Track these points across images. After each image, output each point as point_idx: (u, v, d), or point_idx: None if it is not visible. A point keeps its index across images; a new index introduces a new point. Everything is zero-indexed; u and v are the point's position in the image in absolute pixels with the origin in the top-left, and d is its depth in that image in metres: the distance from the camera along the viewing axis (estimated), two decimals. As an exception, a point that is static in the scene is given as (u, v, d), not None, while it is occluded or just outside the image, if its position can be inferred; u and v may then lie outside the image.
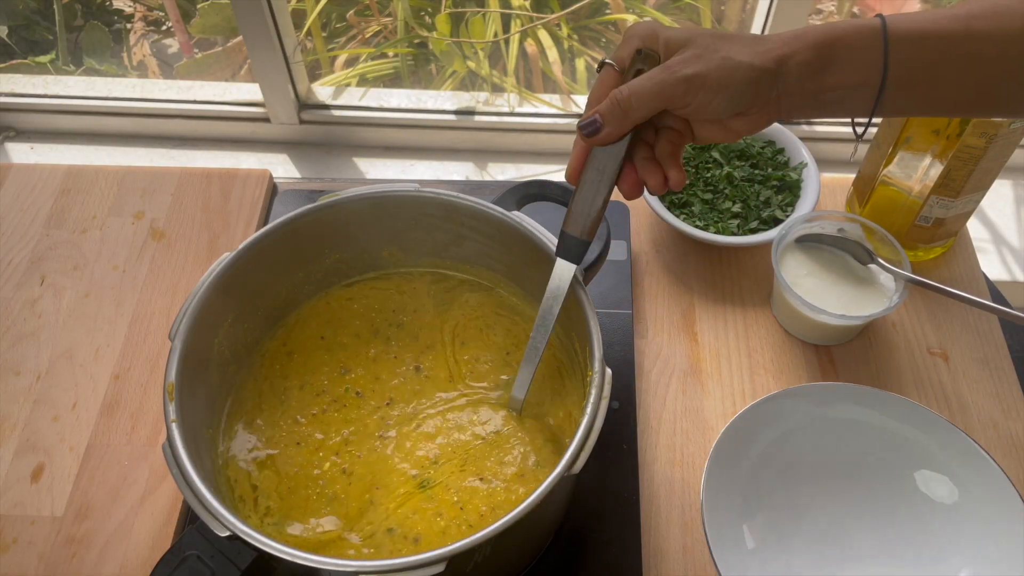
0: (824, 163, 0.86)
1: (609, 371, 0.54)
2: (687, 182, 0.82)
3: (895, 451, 0.67)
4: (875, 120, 0.55)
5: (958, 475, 0.65)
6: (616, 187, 0.55)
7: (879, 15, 0.50)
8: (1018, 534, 0.61)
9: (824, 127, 1.27)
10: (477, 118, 1.30)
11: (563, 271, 0.57)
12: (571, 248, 0.57)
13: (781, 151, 0.84)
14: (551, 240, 0.61)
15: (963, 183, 0.72)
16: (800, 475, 0.67)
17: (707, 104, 0.50)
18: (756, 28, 1.15)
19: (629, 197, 0.55)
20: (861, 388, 0.67)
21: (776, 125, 0.85)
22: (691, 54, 0.50)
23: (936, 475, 0.66)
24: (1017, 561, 0.60)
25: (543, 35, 1.42)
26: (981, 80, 0.50)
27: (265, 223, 0.84)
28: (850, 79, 0.50)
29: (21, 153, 1.33)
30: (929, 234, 0.78)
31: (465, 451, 0.61)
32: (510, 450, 0.61)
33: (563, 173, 1.36)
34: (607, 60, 0.54)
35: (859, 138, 0.58)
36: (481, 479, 0.60)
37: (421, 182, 0.76)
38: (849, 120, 0.56)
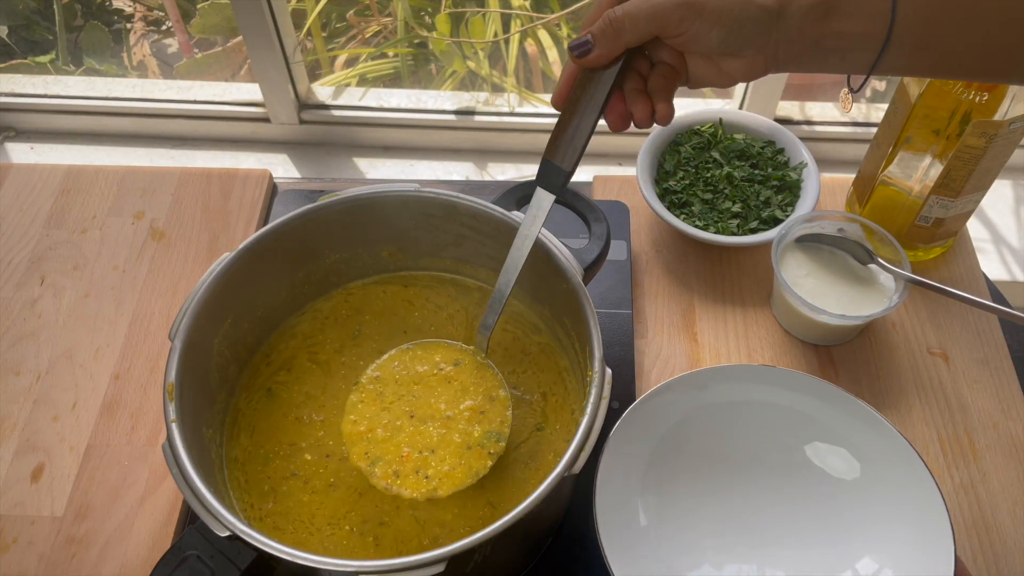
0: (824, 163, 0.86)
1: (609, 371, 0.54)
2: (687, 184, 0.82)
3: (785, 427, 0.66)
4: (873, 76, 0.53)
5: (859, 447, 0.64)
6: (603, 118, 0.53)
7: None
8: (926, 511, 0.60)
9: (824, 127, 1.27)
10: (477, 118, 1.30)
11: (541, 200, 0.55)
12: (551, 177, 0.54)
13: (781, 151, 0.84)
14: (551, 240, 0.61)
15: (963, 183, 0.72)
16: (699, 460, 0.66)
17: (702, 35, 0.49)
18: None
19: (614, 128, 0.54)
20: (740, 367, 0.67)
21: (776, 125, 0.85)
22: None
23: (831, 447, 0.65)
24: (925, 541, 0.60)
25: (543, 35, 1.42)
26: (988, 40, 0.49)
27: (265, 223, 0.84)
28: (855, 27, 0.49)
29: (21, 153, 1.33)
30: (929, 234, 0.78)
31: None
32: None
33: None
34: None
35: (854, 92, 0.57)
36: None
37: (421, 182, 0.76)
38: (846, 76, 0.55)
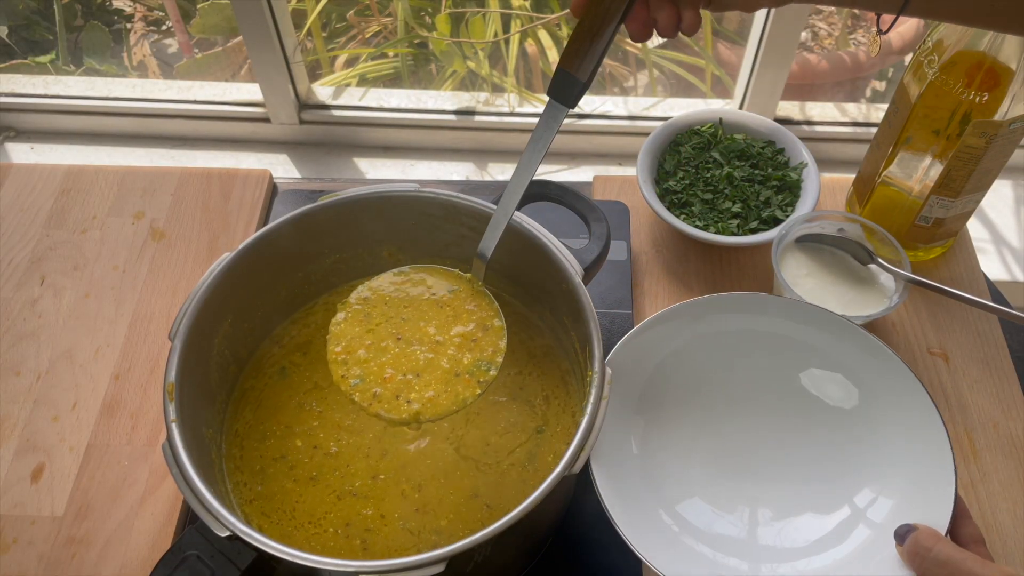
0: (824, 163, 0.86)
1: (609, 371, 0.54)
2: (687, 184, 0.82)
3: (781, 355, 0.65)
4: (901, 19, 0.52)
5: (857, 374, 0.63)
6: (624, 26, 0.51)
7: None
8: (927, 441, 0.59)
9: (824, 127, 1.27)
10: (477, 118, 1.30)
11: (553, 113, 0.53)
12: (565, 88, 0.52)
13: (781, 151, 0.84)
14: (551, 240, 0.61)
15: (963, 183, 0.72)
16: (692, 391, 0.66)
17: None
18: (756, 27, 1.15)
19: (636, 38, 0.51)
20: (735, 296, 0.66)
21: (776, 125, 0.85)
22: None
23: (828, 374, 0.64)
24: (926, 472, 0.58)
25: (543, 35, 1.42)
26: None
27: (265, 223, 0.83)
28: None
29: (21, 153, 1.33)
30: (929, 234, 0.78)
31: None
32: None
33: (563, 173, 1.35)
34: None
35: (883, 33, 0.56)
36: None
37: (421, 182, 0.76)
38: (875, 16, 0.53)
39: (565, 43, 0.52)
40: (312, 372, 0.66)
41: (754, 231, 0.79)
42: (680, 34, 0.51)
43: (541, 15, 1.44)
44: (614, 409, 0.63)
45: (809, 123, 1.27)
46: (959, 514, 0.55)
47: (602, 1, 0.50)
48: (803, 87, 1.48)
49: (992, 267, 1.27)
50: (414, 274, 0.61)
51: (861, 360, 0.64)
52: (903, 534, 0.53)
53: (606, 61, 1.52)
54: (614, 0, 0.49)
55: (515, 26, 1.43)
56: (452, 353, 0.57)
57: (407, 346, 0.57)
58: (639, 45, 1.46)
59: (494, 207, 0.63)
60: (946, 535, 0.54)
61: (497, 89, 1.37)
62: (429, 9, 1.51)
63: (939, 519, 0.55)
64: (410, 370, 0.56)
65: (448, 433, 0.63)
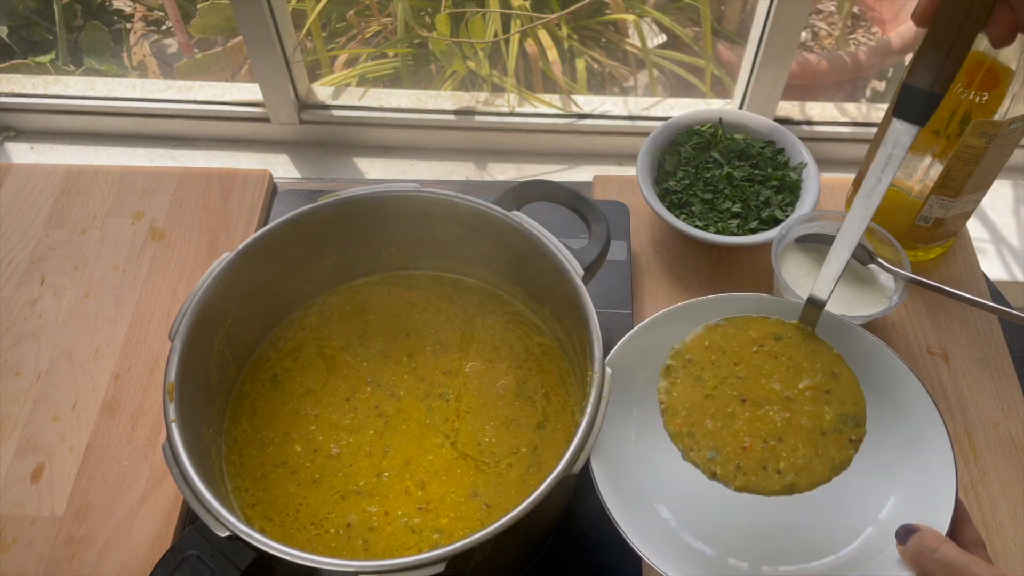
0: (824, 163, 0.86)
1: (609, 371, 0.54)
2: (687, 184, 0.82)
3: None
4: None
5: (859, 374, 0.61)
6: (985, 32, 0.46)
7: None
8: (929, 443, 0.58)
9: (824, 127, 1.27)
10: (477, 118, 1.30)
11: (900, 134, 0.49)
12: (916, 105, 0.48)
13: (781, 151, 0.84)
14: (551, 240, 0.61)
15: (963, 183, 0.72)
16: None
17: None
18: (756, 28, 1.15)
19: (997, 43, 0.47)
20: (735, 296, 0.64)
21: (776, 125, 0.85)
22: None
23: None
24: (929, 473, 0.57)
25: (543, 35, 1.42)
26: None
27: (265, 223, 0.83)
28: None
29: (21, 153, 1.33)
30: (929, 234, 0.78)
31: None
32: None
33: (563, 173, 1.35)
34: None
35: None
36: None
37: (421, 182, 0.76)
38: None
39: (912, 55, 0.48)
40: (303, 377, 0.66)
41: (754, 231, 0.80)
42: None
43: (541, 15, 1.44)
44: (614, 408, 0.63)
45: (809, 123, 1.27)
46: (960, 517, 0.55)
47: (958, 4, 0.46)
48: (803, 87, 1.48)
49: (992, 267, 1.27)
50: (730, 327, 0.57)
51: (862, 361, 0.64)
52: (904, 534, 0.53)
53: (605, 61, 1.52)
54: (975, 4, 0.45)
55: (515, 26, 1.43)
56: (809, 409, 0.52)
57: (757, 408, 0.52)
58: (639, 45, 1.46)
59: (494, 207, 0.63)
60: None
61: (497, 89, 1.37)
62: (429, 9, 1.52)
63: (940, 521, 0.55)
64: (770, 435, 0.51)
65: (447, 430, 0.63)
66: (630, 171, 0.85)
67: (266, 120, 1.31)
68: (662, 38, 1.59)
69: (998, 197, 1.34)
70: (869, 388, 0.63)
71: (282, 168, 1.33)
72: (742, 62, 1.20)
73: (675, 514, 0.60)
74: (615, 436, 0.62)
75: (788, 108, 1.28)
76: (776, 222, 0.80)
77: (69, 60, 1.53)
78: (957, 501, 0.56)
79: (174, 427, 0.52)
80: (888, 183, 0.50)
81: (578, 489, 0.66)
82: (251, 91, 1.30)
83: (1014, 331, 0.78)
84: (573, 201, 0.68)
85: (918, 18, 0.48)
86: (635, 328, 0.64)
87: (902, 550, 0.53)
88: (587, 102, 1.29)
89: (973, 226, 1.16)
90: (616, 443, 0.62)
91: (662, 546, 0.57)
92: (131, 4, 1.68)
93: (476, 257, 0.69)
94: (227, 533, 0.48)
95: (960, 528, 0.55)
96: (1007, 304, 0.77)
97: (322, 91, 1.33)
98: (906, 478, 0.60)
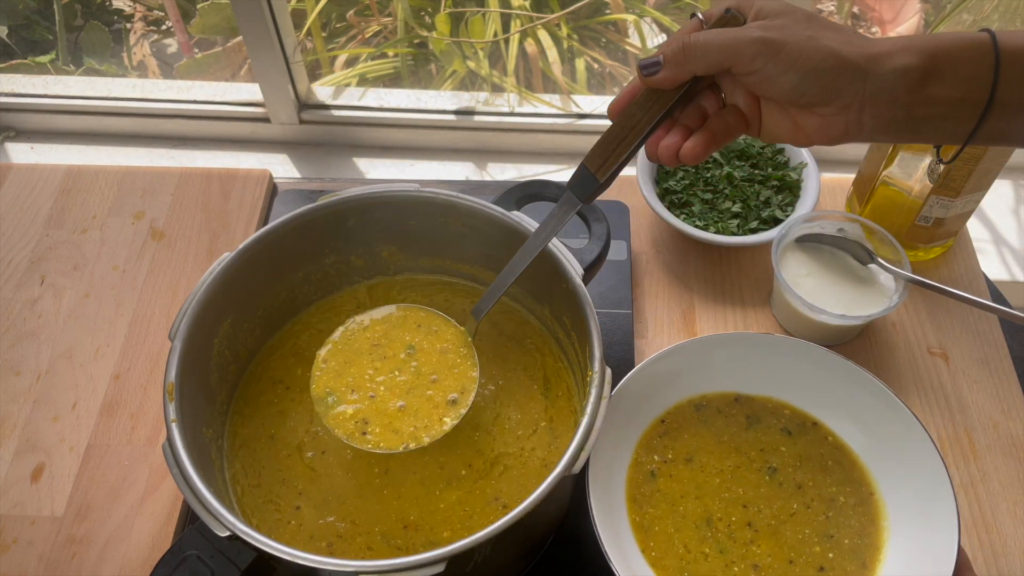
0: (824, 163, 0.86)
1: (609, 371, 0.54)
2: (687, 184, 0.82)
3: (788, 393, 0.68)
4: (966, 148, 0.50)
5: (863, 419, 0.65)
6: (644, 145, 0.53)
7: (986, 29, 0.47)
8: (932, 489, 0.60)
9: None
10: (477, 118, 1.30)
11: (568, 205, 0.55)
12: (582, 184, 0.54)
13: (781, 151, 0.84)
14: (551, 240, 0.61)
15: (963, 183, 0.72)
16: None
17: (775, 78, 0.47)
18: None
19: (648, 155, 0.53)
20: (741, 336, 0.68)
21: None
22: (778, 23, 0.47)
23: (835, 418, 0.66)
24: (932, 519, 0.59)
25: (543, 35, 1.42)
26: None
27: (265, 223, 0.83)
28: (953, 93, 0.46)
29: (21, 153, 1.33)
30: (929, 234, 0.78)
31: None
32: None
33: (563, 173, 1.35)
34: (697, 13, 0.52)
35: (944, 163, 0.55)
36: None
37: (421, 182, 0.76)
38: (935, 145, 0.52)
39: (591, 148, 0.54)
40: (304, 377, 0.66)
41: (754, 231, 0.79)
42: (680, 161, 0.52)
43: (541, 15, 1.44)
44: (613, 449, 0.64)
45: (809, 123, 1.27)
46: (961, 566, 0.56)
47: (637, 112, 0.52)
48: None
49: (992, 267, 1.27)
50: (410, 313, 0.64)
51: (861, 400, 0.65)
52: None
53: (605, 61, 1.52)
54: (648, 114, 0.51)
55: (515, 26, 1.43)
56: (430, 393, 0.60)
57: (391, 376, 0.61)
58: (639, 44, 1.46)
59: (494, 207, 0.63)
60: None
61: (497, 89, 1.37)
62: (429, 9, 1.52)
63: (942, 571, 0.56)
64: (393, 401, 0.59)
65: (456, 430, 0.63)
66: (630, 171, 0.85)
67: (266, 120, 1.31)
68: (662, 38, 1.59)
69: (998, 197, 1.34)
70: (869, 432, 0.65)
71: (282, 168, 1.33)
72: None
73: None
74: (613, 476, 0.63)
75: (788, 108, 1.28)
76: (776, 222, 0.80)
77: (69, 60, 1.53)
78: (959, 550, 0.57)
79: (174, 427, 0.52)
80: (548, 240, 0.57)
81: (578, 489, 0.66)
82: (251, 91, 1.30)
83: (1014, 331, 0.78)
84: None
85: (610, 111, 0.53)
86: (637, 366, 0.66)
87: None
88: (587, 102, 1.29)
89: (973, 226, 1.16)
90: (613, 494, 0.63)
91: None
92: (131, 4, 1.68)
93: (476, 257, 0.69)
94: (227, 533, 0.48)
95: None
96: (1007, 304, 0.77)
97: (322, 91, 1.33)
98: (908, 523, 0.61)
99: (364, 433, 0.58)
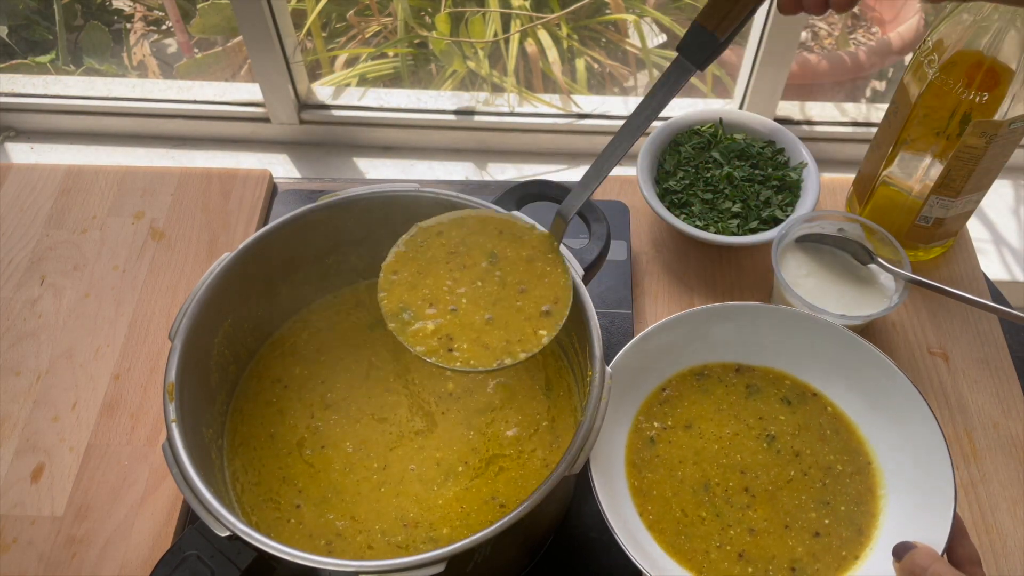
0: (824, 163, 0.86)
1: (609, 371, 0.54)
2: (687, 184, 0.82)
3: (782, 362, 0.68)
4: None
5: (858, 385, 0.65)
6: None
7: None
8: (928, 456, 0.60)
9: (824, 127, 1.27)
10: (477, 118, 1.30)
11: (680, 72, 0.49)
12: (699, 47, 0.47)
13: (781, 151, 0.84)
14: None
15: (963, 183, 0.72)
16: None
17: None
18: (756, 29, 1.15)
19: (784, 9, 0.48)
20: (734, 305, 0.68)
21: (776, 125, 0.85)
22: None
23: (829, 383, 0.66)
24: (928, 488, 0.59)
25: (543, 35, 1.42)
26: None
27: (265, 223, 0.83)
28: None
29: (21, 153, 1.33)
30: (929, 234, 0.78)
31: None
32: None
33: (563, 173, 1.35)
34: None
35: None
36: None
37: (421, 182, 0.76)
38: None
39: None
40: (303, 376, 0.66)
41: (754, 231, 0.79)
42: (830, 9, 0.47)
43: (541, 15, 1.44)
44: (613, 415, 0.63)
45: (809, 123, 1.27)
46: (957, 532, 0.56)
47: None
48: (803, 87, 1.48)
49: (992, 267, 1.27)
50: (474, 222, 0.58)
51: (862, 371, 0.65)
52: (900, 551, 0.54)
53: (605, 61, 1.52)
54: None
55: (515, 26, 1.43)
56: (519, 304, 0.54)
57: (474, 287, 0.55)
58: (639, 45, 1.46)
59: (494, 207, 0.63)
60: (943, 554, 0.55)
61: (497, 89, 1.37)
62: (429, 9, 1.52)
63: (937, 537, 0.56)
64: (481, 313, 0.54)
65: (456, 425, 0.63)
66: (630, 171, 0.85)
67: (266, 120, 1.31)
68: (662, 38, 1.59)
69: (998, 197, 1.34)
70: (869, 403, 0.64)
71: (282, 168, 1.33)
72: (742, 62, 1.20)
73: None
74: (614, 447, 0.63)
75: (788, 108, 1.28)
76: (776, 222, 0.80)
77: (69, 60, 1.53)
78: (955, 516, 0.56)
79: (174, 427, 0.52)
80: (657, 114, 0.51)
81: (578, 489, 0.66)
82: (251, 91, 1.30)
83: (1014, 331, 0.78)
84: (573, 201, 0.68)
85: None
86: (632, 340, 0.66)
87: (898, 567, 0.53)
88: (587, 102, 1.29)
89: (973, 226, 1.16)
90: (614, 456, 0.62)
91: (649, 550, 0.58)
92: (131, 4, 1.68)
93: (476, 257, 0.68)
94: (227, 533, 0.48)
95: (957, 544, 0.56)
96: (1007, 304, 0.77)
97: (322, 91, 1.33)
98: (904, 493, 0.60)
99: (450, 350, 0.53)
